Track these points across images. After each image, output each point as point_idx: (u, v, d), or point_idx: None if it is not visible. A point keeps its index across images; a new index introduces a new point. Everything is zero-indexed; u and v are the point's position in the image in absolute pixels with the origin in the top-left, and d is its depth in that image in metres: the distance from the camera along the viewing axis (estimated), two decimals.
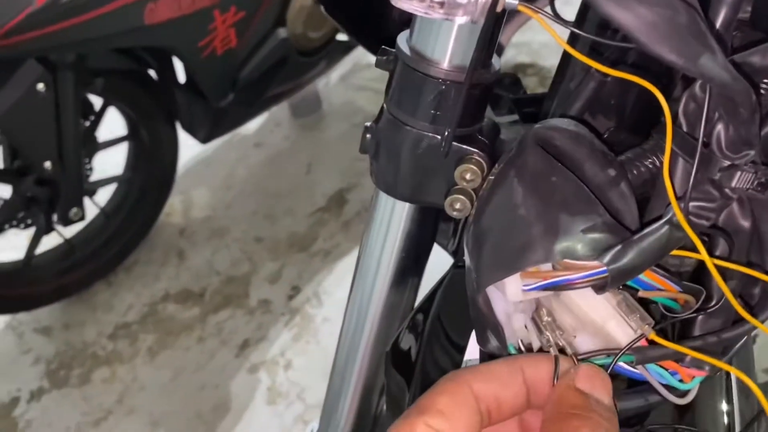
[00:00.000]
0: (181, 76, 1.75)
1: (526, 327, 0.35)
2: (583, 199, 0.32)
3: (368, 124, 0.43)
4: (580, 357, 0.33)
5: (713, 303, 0.34)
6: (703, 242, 0.33)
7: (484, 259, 0.33)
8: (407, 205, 0.44)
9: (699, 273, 0.36)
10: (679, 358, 0.34)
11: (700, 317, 0.34)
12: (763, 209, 0.34)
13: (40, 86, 1.42)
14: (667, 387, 0.35)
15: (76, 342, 1.77)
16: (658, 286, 0.33)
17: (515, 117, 0.60)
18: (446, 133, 0.37)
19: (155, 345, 1.75)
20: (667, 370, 0.34)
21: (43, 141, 1.50)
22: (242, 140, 2.23)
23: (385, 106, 0.42)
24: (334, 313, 1.75)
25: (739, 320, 0.34)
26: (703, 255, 0.31)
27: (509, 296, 0.32)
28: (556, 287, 0.31)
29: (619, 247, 0.31)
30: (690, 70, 0.27)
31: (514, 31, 0.74)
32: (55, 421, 1.62)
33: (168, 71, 1.73)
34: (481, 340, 0.37)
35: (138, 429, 1.59)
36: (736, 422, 0.40)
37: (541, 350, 0.35)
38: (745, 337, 0.38)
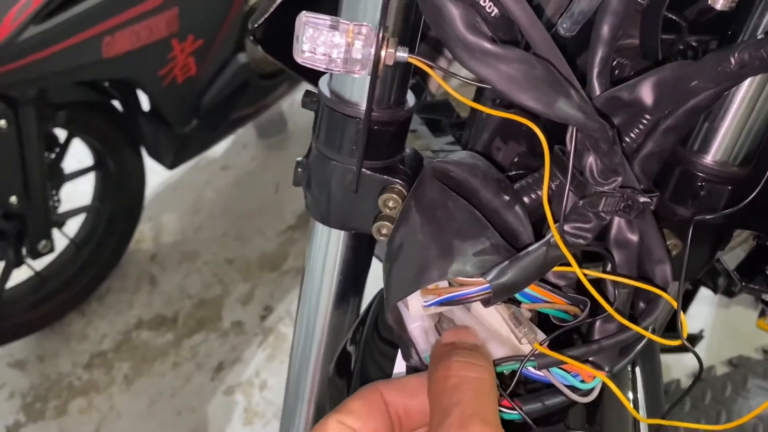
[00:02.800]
0: (145, 105, 1.77)
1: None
2: (474, 225, 0.36)
3: (299, 159, 0.47)
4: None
5: (602, 311, 0.38)
6: (594, 259, 0.37)
7: (392, 279, 0.37)
8: (341, 232, 0.48)
9: (599, 285, 0.40)
10: (580, 360, 0.38)
11: (598, 323, 0.38)
12: (647, 226, 0.38)
13: (2, 122, 1.43)
14: (572, 388, 0.39)
15: (51, 373, 1.78)
16: (545, 299, 0.37)
17: (452, 138, 0.64)
18: (355, 169, 0.40)
19: (131, 372, 1.76)
20: (569, 372, 0.38)
21: (7, 176, 1.51)
22: (210, 163, 2.25)
23: (313, 142, 0.45)
24: None
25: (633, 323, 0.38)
26: (576, 269, 0.34)
27: (412, 311, 0.36)
28: (451, 302, 0.35)
29: (502, 265, 0.35)
30: (548, 114, 0.30)
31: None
32: None
33: (131, 100, 1.75)
34: (404, 355, 0.40)
35: None
36: (641, 409, 0.44)
37: None
38: (644, 341, 0.42)
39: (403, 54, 0.34)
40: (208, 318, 1.84)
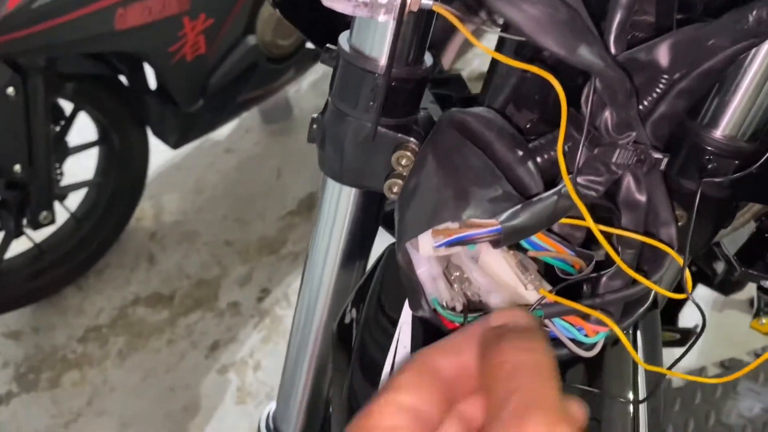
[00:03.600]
0: (152, 82, 1.78)
1: (452, 286, 0.39)
2: (488, 173, 0.37)
3: (315, 115, 0.48)
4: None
5: (612, 268, 0.39)
6: (603, 215, 0.38)
7: (405, 219, 0.38)
8: (353, 190, 0.48)
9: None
10: (584, 314, 0.39)
11: (604, 278, 0.39)
12: (655, 186, 0.39)
13: (10, 90, 1.44)
14: (575, 342, 0.40)
15: (46, 345, 1.78)
16: (552, 248, 0.38)
17: None
18: (370, 125, 0.41)
19: (125, 348, 1.76)
20: (573, 325, 0.39)
21: (13, 144, 1.51)
22: (213, 146, 2.26)
23: (329, 99, 0.46)
24: None
25: (637, 281, 0.39)
26: (588, 221, 0.35)
27: (422, 252, 0.37)
28: (460, 242, 0.36)
29: (516, 207, 0.35)
30: (570, 59, 0.31)
31: (455, 52, 0.79)
32: (24, 425, 1.63)
33: (139, 77, 1.75)
34: (413, 305, 0.41)
35: (108, 430, 1.60)
36: (640, 383, 0.45)
37: (454, 309, 0.39)
38: (648, 302, 0.43)
39: (428, 1, 0.35)
40: (204, 297, 1.85)
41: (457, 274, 0.40)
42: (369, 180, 0.46)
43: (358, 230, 0.51)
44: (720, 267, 0.85)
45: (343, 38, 0.44)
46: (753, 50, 0.40)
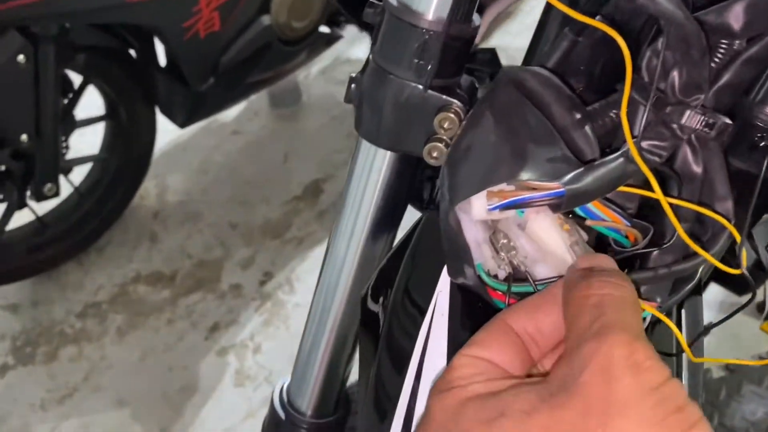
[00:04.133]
0: (162, 60, 1.76)
1: (496, 252, 0.38)
2: (547, 133, 0.35)
3: (353, 74, 0.46)
4: (538, 282, 0.37)
5: (666, 240, 0.37)
6: (659, 183, 0.36)
7: (458, 179, 0.36)
8: (388, 153, 0.47)
9: (652, 215, 0.39)
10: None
11: (654, 253, 0.38)
12: (712, 156, 0.37)
13: (21, 58, 1.42)
14: None
15: (44, 320, 1.76)
16: (607, 218, 0.36)
17: None
18: (427, 77, 0.39)
19: (124, 325, 1.75)
20: None
21: (20, 113, 1.49)
22: (220, 128, 2.24)
23: (370, 56, 0.44)
24: (306, 300, 1.76)
25: (689, 256, 0.37)
26: (656, 189, 0.34)
27: (474, 214, 0.35)
28: (517, 205, 0.34)
29: (579, 170, 0.34)
30: (648, 6, 0.30)
31: (486, 27, 0.77)
32: (20, 397, 1.61)
33: (149, 53, 1.73)
34: (453, 271, 0.40)
35: (103, 407, 1.59)
36: (684, 366, 0.44)
37: (496, 278, 0.38)
38: (693, 282, 0.41)
39: None
40: (206, 279, 1.83)
41: (504, 241, 0.38)
42: (407, 144, 0.45)
43: (391, 197, 0.49)
44: (748, 261, 0.83)
45: None
46: None
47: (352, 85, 0.46)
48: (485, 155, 0.35)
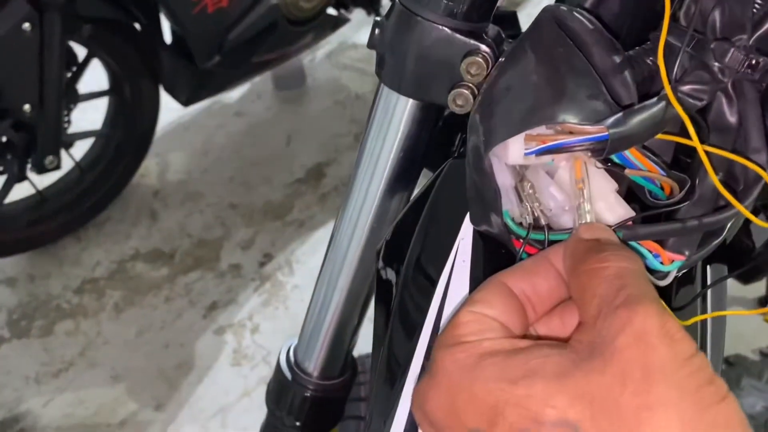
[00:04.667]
0: (168, 38, 1.74)
1: (522, 201, 0.37)
2: (589, 74, 0.34)
3: (377, 18, 0.45)
4: (566, 230, 0.36)
5: (696, 194, 0.36)
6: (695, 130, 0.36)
7: (495, 121, 0.35)
8: (410, 101, 0.46)
9: (683, 166, 0.38)
10: (662, 240, 0.37)
11: (684, 206, 0.37)
12: (749, 107, 0.36)
13: (26, 26, 1.40)
14: (649, 270, 0.37)
15: (41, 294, 1.75)
16: (645, 168, 0.35)
17: None
18: (460, 8, 0.38)
19: (122, 302, 1.73)
20: (650, 251, 0.37)
21: (24, 83, 1.48)
22: (223, 108, 2.22)
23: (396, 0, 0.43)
24: (306, 282, 1.76)
25: (720, 208, 0.37)
26: (694, 137, 0.33)
27: (510, 158, 0.34)
28: (557, 150, 0.33)
29: (620, 114, 0.33)
30: None
31: None
32: (14, 370, 1.60)
33: (155, 29, 1.72)
34: (477, 219, 0.39)
35: (99, 382, 1.58)
36: (709, 323, 0.43)
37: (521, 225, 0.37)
38: (723, 235, 0.40)
39: None
40: (206, 258, 1.82)
41: (530, 191, 0.37)
42: (432, 91, 0.44)
43: (410, 150, 0.48)
44: (762, 239, 0.82)
45: None
46: None
47: (376, 30, 0.44)
48: (525, 96, 0.34)
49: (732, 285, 1.31)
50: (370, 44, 0.45)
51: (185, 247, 1.85)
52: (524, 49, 0.36)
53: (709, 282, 0.43)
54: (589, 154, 0.34)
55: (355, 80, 2.31)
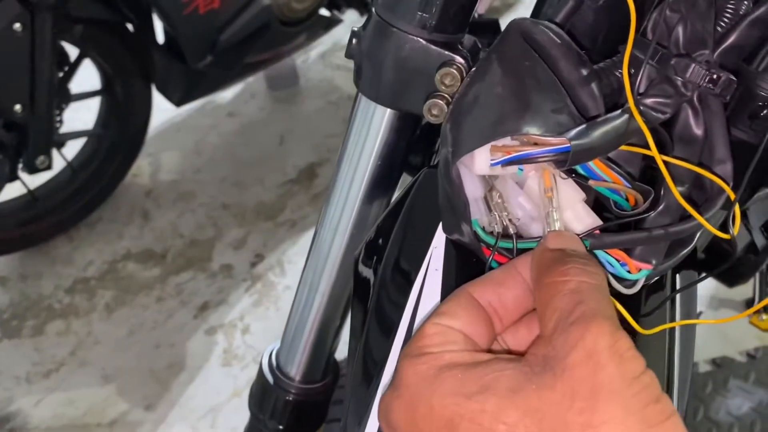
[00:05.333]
0: (160, 37, 1.74)
1: (491, 211, 0.37)
2: (554, 88, 0.34)
3: (355, 28, 0.45)
4: (534, 238, 0.36)
5: (662, 204, 0.37)
6: (657, 144, 0.36)
7: (463, 131, 0.35)
8: (387, 111, 0.46)
9: (650, 178, 0.39)
10: (629, 249, 0.37)
11: (652, 214, 0.37)
12: (714, 118, 0.37)
13: (17, 26, 1.40)
14: (617, 278, 0.38)
15: (32, 293, 1.75)
16: (609, 179, 0.36)
17: None
18: (417, 37, 0.39)
19: (113, 302, 1.74)
20: (617, 260, 0.37)
21: (15, 82, 1.48)
22: (216, 108, 2.22)
23: (373, 9, 0.44)
24: (297, 282, 1.76)
25: (685, 218, 0.37)
26: (652, 148, 0.33)
27: (477, 169, 0.35)
28: (521, 161, 0.34)
29: (583, 126, 0.33)
30: None
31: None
32: (5, 370, 1.60)
33: (148, 29, 1.72)
34: (448, 227, 0.39)
35: (89, 382, 1.58)
36: (677, 332, 0.43)
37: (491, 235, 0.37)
38: (689, 247, 0.41)
39: None
40: (197, 258, 1.82)
41: (499, 200, 0.38)
42: (408, 101, 0.44)
43: (388, 157, 0.49)
44: (742, 242, 0.83)
45: None
46: None
47: (353, 40, 0.45)
48: (491, 108, 0.35)
49: (720, 287, 1.32)
50: (348, 54, 0.46)
51: (177, 247, 1.85)
52: (491, 61, 0.37)
53: (678, 286, 0.43)
54: (553, 165, 0.34)
55: (348, 81, 2.32)
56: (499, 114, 0.34)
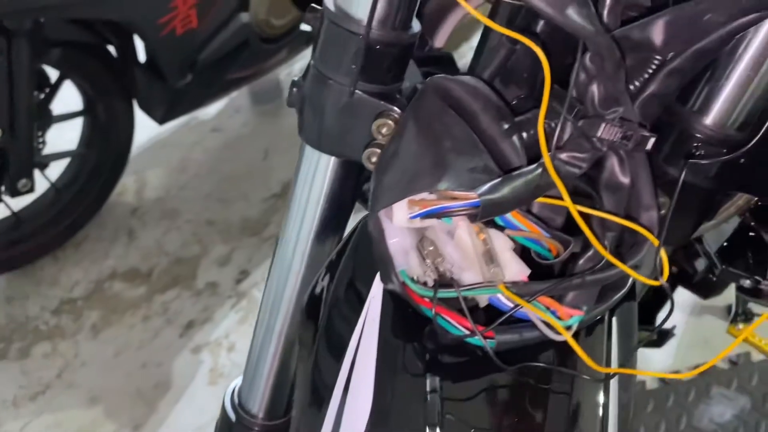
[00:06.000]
0: (142, 56, 1.75)
1: (424, 260, 0.38)
2: (470, 145, 0.35)
3: (295, 78, 0.46)
4: (463, 288, 0.37)
5: (591, 250, 0.38)
6: (583, 200, 0.37)
7: (382, 186, 0.36)
8: (331, 158, 0.47)
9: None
10: (558, 297, 0.38)
11: (581, 260, 0.38)
12: (639, 168, 0.38)
13: None
14: (547, 325, 0.39)
15: (18, 315, 1.75)
16: (526, 228, 0.37)
17: None
18: (351, 83, 0.39)
19: (99, 322, 1.74)
20: (547, 307, 0.38)
21: None
22: (200, 124, 2.23)
23: (311, 62, 0.44)
24: None
25: (612, 264, 0.38)
26: (566, 199, 0.34)
27: (396, 222, 0.36)
28: (436, 214, 0.35)
29: (497, 180, 0.34)
30: (559, 20, 0.30)
31: (449, 33, 0.77)
32: None
33: (128, 48, 1.72)
34: (384, 277, 0.40)
35: (76, 404, 1.58)
36: (613, 362, 0.44)
37: (425, 284, 0.38)
38: (624, 289, 0.42)
39: None
40: (183, 276, 1.83)
41: (431, 248, 0.38)
42: (348, 149, 0.45)
43: (335, 202, 0.49)
44: (701, 265, 0.85)
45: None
46: (748, 37, 0.39)
47: (294, 89, 0.46)
48: (408, 164, 0.36)
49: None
50: (290, 103, 0.46)
51: (162, 266, 1.86)
52: (408, 119, 0.38)
53: (614, 332, 0.44)
54: (467, 218, 0.35)
55: None
56: (415, 170, 0.35)
